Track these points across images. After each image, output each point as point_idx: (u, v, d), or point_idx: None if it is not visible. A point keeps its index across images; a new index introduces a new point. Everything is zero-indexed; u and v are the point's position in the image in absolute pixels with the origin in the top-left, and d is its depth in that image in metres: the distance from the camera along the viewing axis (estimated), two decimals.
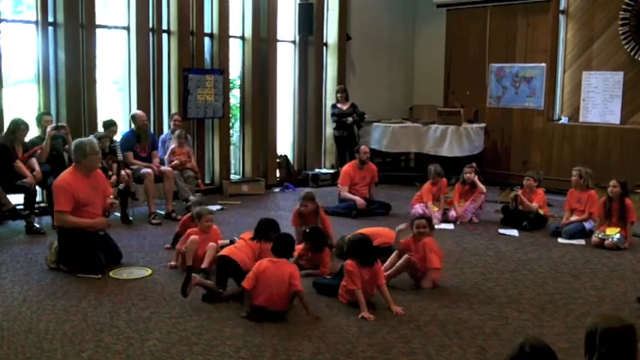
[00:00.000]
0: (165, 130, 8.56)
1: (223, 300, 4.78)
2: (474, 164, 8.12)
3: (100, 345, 3.95)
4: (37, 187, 6.91)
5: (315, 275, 5.35)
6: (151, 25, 8.37)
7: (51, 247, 5.59)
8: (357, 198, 7.95)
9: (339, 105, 10.10)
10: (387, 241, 5.87)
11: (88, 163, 5.43)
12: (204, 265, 5.22)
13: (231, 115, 9.70)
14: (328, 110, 10.67)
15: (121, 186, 7.09)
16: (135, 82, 8.30)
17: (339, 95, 10.13)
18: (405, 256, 5.19)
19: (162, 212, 7.62)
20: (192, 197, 7.68)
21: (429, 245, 5.22)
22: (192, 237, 5.45)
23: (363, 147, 8.37)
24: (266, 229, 5.18)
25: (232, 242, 5.47)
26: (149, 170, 7.54)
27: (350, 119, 9.97)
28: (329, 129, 10.76)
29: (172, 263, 5.65)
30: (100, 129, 7.66)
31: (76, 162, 5.47)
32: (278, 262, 4.57)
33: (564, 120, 10.05)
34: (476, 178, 7.83)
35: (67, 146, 7.09)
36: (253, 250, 5.07)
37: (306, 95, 10.51)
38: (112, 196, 5.80)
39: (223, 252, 5.10)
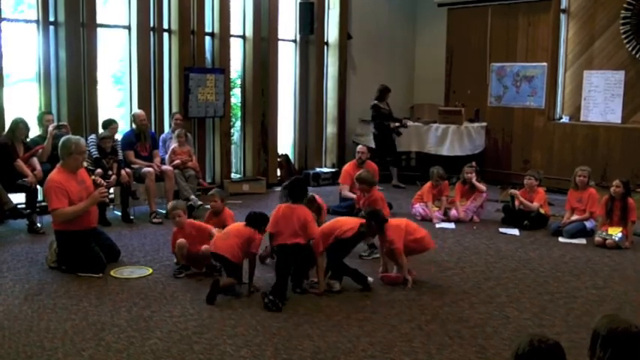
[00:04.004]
0: (167, 129, 8.56)
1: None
2: (473, 164, 8.10)
3: (100, 344, 3.95)
4: (38, 187, 6.90)
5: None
6: (151, 24, 8.37)
7: (51, 246, 5.58)
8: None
9: (381, 105, 9.90)
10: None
11: (70, 162, 5.39)
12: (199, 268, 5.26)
13: (231, 115, 9.70)
14: (330, 109, 10.67)
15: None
16: (136, 81, 8.30)
17: (387, 95, 9.91)
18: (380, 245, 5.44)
19: (163, 211, 7.62)
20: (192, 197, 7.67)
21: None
22: (179, 241, 5.36)
23: (360, 147, 8.38)
24: (258, 222, 5.06)
25: None
26: (150, 169, 7.54)
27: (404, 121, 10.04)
28: (330, 128, 10.75)
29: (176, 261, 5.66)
30: (101, 129, 7.66)
31: (61, 159, 5.45)
32: (295, 206, 4.97)
33: (565, 119, 10.05)
34: (474, 179, 7.82)
35: None
36: (243, 235, 4.94)
37: (307, 94, 10.51)
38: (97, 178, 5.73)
39: (213, 248, 5.01)
